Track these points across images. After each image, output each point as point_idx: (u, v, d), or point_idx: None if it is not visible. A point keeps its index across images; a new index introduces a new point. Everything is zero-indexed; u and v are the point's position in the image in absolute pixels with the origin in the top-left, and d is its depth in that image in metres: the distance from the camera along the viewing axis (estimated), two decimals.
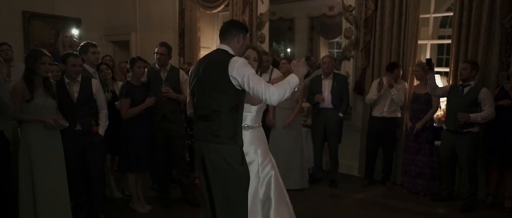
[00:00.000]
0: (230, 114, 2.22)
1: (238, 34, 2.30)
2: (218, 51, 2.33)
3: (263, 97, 2.11)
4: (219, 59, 2.22)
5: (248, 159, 2.43)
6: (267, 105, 4.39)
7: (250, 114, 2.60)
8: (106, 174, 3.88)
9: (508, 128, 3.64)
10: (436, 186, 4.17)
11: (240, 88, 2.18)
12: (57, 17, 6.13)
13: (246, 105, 2.43)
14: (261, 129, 2.73)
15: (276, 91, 2.10)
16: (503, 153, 3.67)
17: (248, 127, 2.59)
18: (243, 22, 2.42)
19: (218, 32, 2.42)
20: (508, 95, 3.61)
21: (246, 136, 2.52)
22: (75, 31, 5.60)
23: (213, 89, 2.21)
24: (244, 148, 2.36)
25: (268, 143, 2.83)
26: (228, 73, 2.14)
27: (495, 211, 3.79)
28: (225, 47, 2.29)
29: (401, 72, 4.32)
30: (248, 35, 2.42)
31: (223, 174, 2.24)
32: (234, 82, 2.15)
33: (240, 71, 2.13)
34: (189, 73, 2.45)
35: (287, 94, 2.16)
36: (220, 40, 2.35)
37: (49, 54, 2.98)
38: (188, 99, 2.56)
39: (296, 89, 2.22)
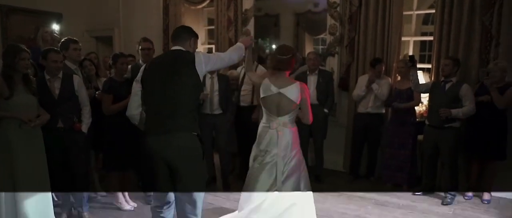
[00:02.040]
0: (192, 106, 2.43)
1: (190, 38, 2.51)
2: (176, 51, 2.49)
3: (228, 62, 2.63)
4: (183, 56, 2.43)
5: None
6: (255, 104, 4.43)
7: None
8: (90, 172, 3.83)
9: (487, 123, 3.73)
10: (413, 179, 4.27)
11: (201, 80, 2.47)
12: (37, 11, 5.96)
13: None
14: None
15: (230, 54, 2.62)
16: (483, 147, 3.77)
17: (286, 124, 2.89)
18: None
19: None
20: (488, 91, 3.70)
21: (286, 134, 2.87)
22: (55, 27, 5.45)
23: (177, 83, 2.36)
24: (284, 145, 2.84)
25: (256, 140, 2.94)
26: (195, 66, 2.37)
27: (475, 204, 3.90)
28: (181, 48, 2.47)
29: (384, 67, 4.37)
30: (197, 41, 2.63)
31: (187, 161, 2.38)
32: (200, 72, 2.40)
33: (207, 57, 2.45)
34: (141, 73, 2.54)
35: (240, 54, 2.69)
36: (173, 43, 2.53)
37: (28, 50, 2.90)
38: (132, 101, 2.58)
39: (244, 54, 2.75)
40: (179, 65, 2.38)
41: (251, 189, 2.91)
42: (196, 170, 2.42)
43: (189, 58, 2.40)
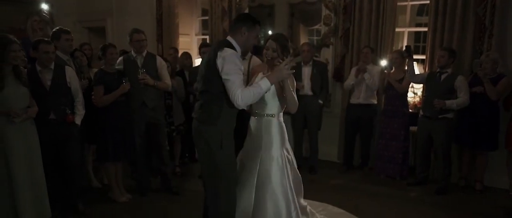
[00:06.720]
0: (216, 97, 2.37)
1: (241, 27, 2.38)
2: (219, 41, 2.57)
3: (231, 97, 2.24)
4: (216, 46, 2.40)
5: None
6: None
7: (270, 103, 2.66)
8: (84, 164, 3.81)
9: (479, 115, 3.76)
10: (406, 170, 4.29)
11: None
12: (26, 2, 5.84)
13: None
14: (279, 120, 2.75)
15: (244, 96, 2.22)
16: (475, 138, 3.80)
17: (268, 115, 2.68)
18: (252, 15, 2.52)
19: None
20: (480, 83, 3.72)
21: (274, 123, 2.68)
22: (44, 6, 5.15)
23: (205, 71, 2.40)
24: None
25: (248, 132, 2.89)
26: (216, 60, 2.30)
27: (467, 193, 3.95)
28: (229, 38, 2.43)
29: (370, 52, 4.33)
30: (256, 27, 2.43)
31: (203, 155, 2.50)
32: (218, 67, 2.31)
33: (224, 63, 2.26)
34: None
35: (255, 99, 2.29)
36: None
37: (18, 41, 2.84)
38: None
39: (267, 92, 2.32)
40: (210, 55, 2.38)
41: None
42: (211, 167, 2.47)
43: (217, 48, 2.34)
